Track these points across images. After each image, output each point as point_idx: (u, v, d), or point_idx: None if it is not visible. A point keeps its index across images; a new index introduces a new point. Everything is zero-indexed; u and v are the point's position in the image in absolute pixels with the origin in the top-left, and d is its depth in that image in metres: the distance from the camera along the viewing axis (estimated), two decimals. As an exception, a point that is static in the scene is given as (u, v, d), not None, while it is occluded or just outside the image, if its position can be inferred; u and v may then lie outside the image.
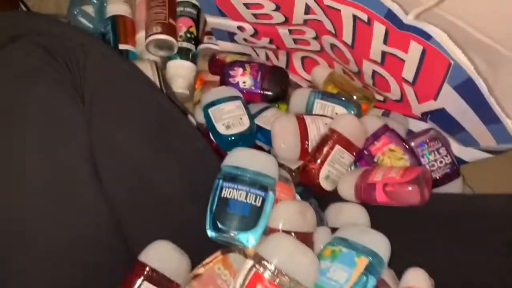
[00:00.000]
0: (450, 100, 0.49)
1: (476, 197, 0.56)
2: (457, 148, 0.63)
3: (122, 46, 0.76)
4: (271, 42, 0.65)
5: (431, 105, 0.54)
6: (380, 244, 0.44)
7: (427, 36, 0.42)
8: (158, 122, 0.49)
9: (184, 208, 0.48)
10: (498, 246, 0.45)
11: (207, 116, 0.59)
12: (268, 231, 0.45)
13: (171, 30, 0.73)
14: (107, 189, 0.45)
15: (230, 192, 0.45)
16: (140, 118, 0.48)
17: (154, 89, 0.51)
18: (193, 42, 0.77)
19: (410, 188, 0.48)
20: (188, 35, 0.76)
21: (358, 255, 0.43)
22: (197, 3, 0.76)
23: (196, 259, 0.46)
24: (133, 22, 0.79)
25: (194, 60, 0.77)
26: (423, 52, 0.45)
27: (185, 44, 0.76)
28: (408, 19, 0.41)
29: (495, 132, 0.47)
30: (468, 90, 0.44)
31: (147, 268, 0.42)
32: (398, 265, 0.46)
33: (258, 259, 0.40)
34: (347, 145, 0.55)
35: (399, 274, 0.46)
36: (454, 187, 0.59)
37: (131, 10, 0.80)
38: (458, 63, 0.42)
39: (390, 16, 0.43)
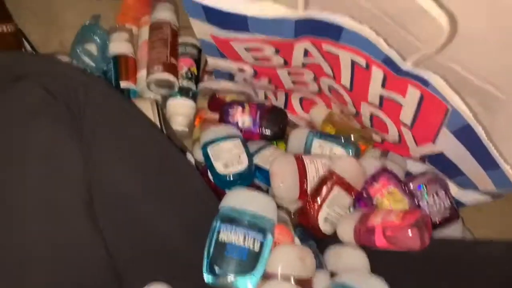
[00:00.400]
0: (448, 144, 0.49)
1: (476, 242, 0.55)
2: (456, 191, 0.63)
3: (123, 84, 0.77)
4: (270, 82, 0.66)
5: (429, 148, 0.54)
6: (380, 290, 0.43)
7: (425, 82, 0.43)
8: (157, 162, 0.49)
9: (181, 250, 0.48)
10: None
11: (206, 155, 0.59)
12: (267, 276, 0.44)
13: (172, 69, 0.74)
14: (104, 229, 0.44)
15: (227, 235, 0.44)
16: (139, 157, 0.48)
17: (154, 129, 0.51)
18: (193, 81, 0.78)
19: (410, 233, 0.48)
20: (189, 74, 0.78)
21: (358, 302, 0.42)
22: (198, 44, 0.77)
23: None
24: (135, 61, 0.81)
25: (194, 98, 0.78)
26: (421, 97, 0.45)
27: (186, 83, 0.77)
28: (406, 65, 0.42)
29: (494, 177, 0.47)
30: (467, 136, 0.45)
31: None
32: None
33: (256, 306, 0.39)
34: (346, 186, 0.55)
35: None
36: (453, 230, 0.59)
37: (133, 49, 0.82)
38: (456, 109, 0.42)
39: (388, 61, 0.44)
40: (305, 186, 0.57)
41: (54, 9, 0.85)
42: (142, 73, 0.77)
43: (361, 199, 0.58)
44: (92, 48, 0.78)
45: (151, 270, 0.47)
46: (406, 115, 0.51)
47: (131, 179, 0.47)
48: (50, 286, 0.42)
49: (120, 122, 0.49)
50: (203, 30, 0.55)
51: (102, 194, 0.45)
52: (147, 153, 0.49)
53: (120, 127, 0.48)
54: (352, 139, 0.65)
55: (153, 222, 0.47)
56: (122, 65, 0.79)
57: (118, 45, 0.80)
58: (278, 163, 0.58)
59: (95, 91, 0.48)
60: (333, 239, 0.55)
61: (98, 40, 0.79)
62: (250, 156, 0.60)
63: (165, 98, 0.78)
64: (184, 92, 0.77)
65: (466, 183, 0.56)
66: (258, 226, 0.45)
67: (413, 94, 0.46)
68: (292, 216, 0.57)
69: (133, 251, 0.47)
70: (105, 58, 0.79)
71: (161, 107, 0.74)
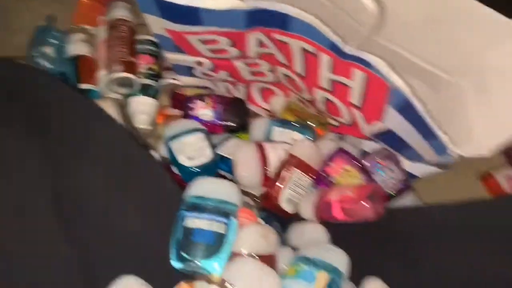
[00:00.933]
0: (394, 120, 0.53)
1: (426, 207, 0.59)
2: (408, 164, 0.68)
3: (83, 86, 0.77)
4: (229, 75, 0.68)
5: (378, 126, 0.58)
6: (339, 259, 0.47)
7: (367, 64, 0.46)
8: (121, 160, 0.50)
9: (149, 243, 0.49)
10: (447, 253, 0.48)
11: (169, 150, 0.61)
12: (233, 256, 0.47)
13: (131, 67, 0.75)
14: (70, 228, 0.45)
15: (193, 222, 0.46)
16: (102, 156, 0.49)
17: (116, 127, 0.52)
18: (154, 78, 0.79)
19: (364, 204, 0.52)
20: (149, 71, 0.79)
21: (318, 271, 0.45)
22: (156, 41, 0.78)
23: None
24: (94, 61, 0.81)
25: (155, 95, 0.79)
26: (365, 78, 0.49)
27: (146, 81, 0.78)
28: (349, 49, 0.45)
29: (435, 146, 0.51)
30: (408, 111, 0.49)
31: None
32: (358, 278, 0.48)
33: (223, 284, 0.41)
34: (305, 168, 0.58)
35: (357, 285, 0.48)
36: (407, 201, 0.63)
37: (92, 49, 0.82)
38: (396, 87, 0.46)
39: (333, 46, 0.47)
40: (267, 172, 0.60)
41: (7, 12, 0.84)
42: (101, 73, 0.78)
43: (320, 179, 0.61)
44: (49, 50, 0.78)
45: (120, 264, 0.48)
46: (355, 97, 0.54)
47: (95, 178, 0.48)
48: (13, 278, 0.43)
49: (82, 122, 0.50)
50: (157, 24, 0.57)
51: (67, 194, 0.46)
52: (110, 152, 0.50)
53: (81, 127, 0.49)
54: (310, 124, 0.68)
55: (122, 220, 0.48)
56: (81, 66, 0.79)
57: (76, 46, 0.80)
58: (240, 152, 0.60)
59: (55, 93, 0.49)
60: (297, 218, 0.58)
61: (54, 42, 0.79)
62: (213, 148, 0.62)
63: (126, 97, 0.79)
64: (145, 90, 0.77)
65: (414, 156, 0.60)
66: (222, 211, 0.48)
67: (358, 76, 0.49)
68: (257, 200, 0.60)
69: (104, 249, 0.48)
70: (64, 60, 0.79)
71: (122, 106, 0.76)
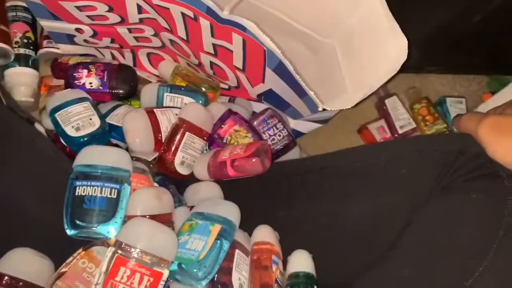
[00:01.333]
0: (273, 81, 0.57)
1: (308, 158, 0.66)
2: (294, 122, 0.74)
3: None
4: (113, 41, 0.67)
5: (261, 87, 0.62)
6: (231, 211, 0.51)
7: (243, 28, 0.49)
8: None
9: (38, 214, 0.48)
10: (324, 194, 0.55)
11: (54, 121, 0.59)
12: (128, 220, 0.48)
13: (4, 36, 0.69)
14: None
15: (84, 189, 0.46)
16: None
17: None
18: (31, 48, 0.74)
19: (253, 160, 0.56)
20: (25, 40, 0.73)
21: (212, 224, 0.48)
22: (29, 7, 0.73)
23: (61, 261, 0.47)
24: (-42, 31, 0.73)
25: (35, 66, 0.74)
26: (244, 42, 0.52)
27: (23, 50, 0.73)
28: (224, 14, 0.48)
29: (308, 103, 0.57)
30: (282, 71, 0.53)
31: (6, 278, 0.42)
32: (250, 226, 0.53)
33: (119, 245, 0.43)
34: (197, 131, 0.60)
35: (250, 233, 0.53)
36: (293, 155, 0.69)
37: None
38: (270, 49, 0.50)
39: (210, 12, 0.49)
40: (160, 137, 0.61)
41: None
42: (-32, 44, 0.71)
43: (214, 141, 0.64)
44: None
45: (11, 238, 0.47)
46: (238, 60, 0.57)
47: None
48: None
49: None
50: (27, -10, 0.53)
51: None
52: None
53: None
54: (202, 89, 0.70)
55: (3, 193, 0.47)
56: None
57: None
58: (130, 119, 0.60)
59: None
60: (192, 180, 0.61)
61: None
62: (102, 116, 0.61)
63: (1, 69, 0.73)
64: (22, 60, 0.72)
65: (294, 114, 0.66)
66: (114, 177, 0.48)
67: (237, 40, 0.52)
68: (151, 166, 0.61)
69: None
70: None
71: (-3, 78, 0.70)
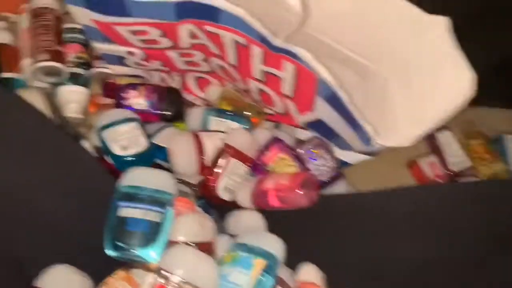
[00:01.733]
0: (323, 110, 0.55)
1: (356, 194, 0.63)
2: (339, 152, 0.71)
3: (5, 75, 0.73)
4: (162, 64, 0.67)
5: (310, 115, 0.60)
6: (275, 246, 0.49)
7: (295, 56, 0.48)
8: (49, 151, 0.48)
9: (80, 231, 0.48)
10: (375, 236, 0.52)
11: (102, 139, 0.59)
12: (170, 245, 0.47)
13: (58, 56, 0.71)
14: None
15: (127, 211, 0.46)
16: (28, 149, 0.47)
17: (38, 116, 0.50)
18: (84, 67, 0.76)
19: (298, 192, 0.53)
20: (78, 60, 0.75)
21: (255, 258, 0.46)
22: (85, 29, 0.75)
23: (99, 280, 0.46)
24: (16, 50, 0.76)
25: (86, 84, 0.76)
26: (295, 70, 0.51)
27: (75, 70, 0.75)
28: (278, 42, 0.47)
29: (361, 136, 0.54)
30: (335, 101, 0.51)
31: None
32: (294, 263, 0.50)
33: (160, 272, 0.41)
34: (241, 157, 0.59)
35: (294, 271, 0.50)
36: (339, 187, 0.67)
37: (14, 37, 0.77)
38: (323, 79, 0.48)
39: (263, 39, 0.48)
40: (204, 161, 0.60)
41: None
42: (26, 62, 0.73)
43: (256, 167, 0.63)
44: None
45: (53, 255, 0.46)
46: (287, 88, 0.56)
47: (23, 172, 0.46)
48: None
49: (2, 115, 0.47)
50: (83, 15, 0.55)
51: None
52: (37, 144, 0.48)
53: (2, 119, 0.47)
54: (246, 113, 0.69)
55: (48, 209, 0.47)
56: (3, 55, 0.74)
57: (-4, 34, 0.75)
58: (175, 141, 0.60)
59: None
60: (234, 206, 0.59)
61: (-28, 29, 0.73)
62: (148, 137, 0.61)
63: (55, 87, 0.75)
64: (74, 79, 0.74)
65: (343, 145, 0.63)
66: (157, 200, 0.47)
67: (288, 67, 0.51)
68: (194, 189, 0.60)
69: (31, 239, 0.46)
70: (-18, 48, 0.73)
71: (51, 96, 0.72)
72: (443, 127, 0.81)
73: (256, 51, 0.50)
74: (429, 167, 0.80)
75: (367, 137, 0.51)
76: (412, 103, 0.54)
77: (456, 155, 0.77)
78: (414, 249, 0.47)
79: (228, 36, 0.51)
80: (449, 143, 0.78)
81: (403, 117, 0.56)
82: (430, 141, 0.82)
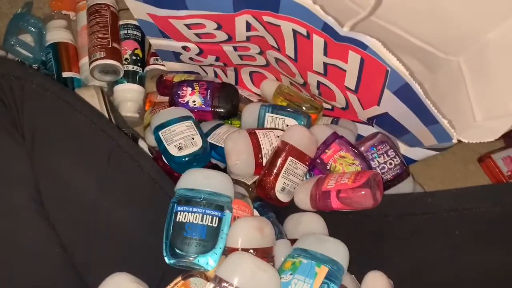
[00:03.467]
0: (392, 104, 0.51)
1: (426, 195, 0.58)
2: (404, 148, 0.66)
3: (66, 74, 0.74)
4: (217, 59, 0.65)
5: (375, 110, 0.56)
6: (339, 252, 0.45)
7: (364, 46, 0.44)
8: (105, 153, 0.48)
9: (139, 237, 0.47)
10: (450, 241, 0.47)
11: (158, 139, 0.58)
12: (228, 251, 0.45)
13: (115, 54, 0.72)
14: (55, 222, 0.43)
15: (185, 216, 0.44)
16: (85, 150, 0.47)
17: (97, 117, 0.49)
18: (139, 65, 0.76)
19: (362, 192, 0.50)
20: (134, 57, 0.76)
21: (318, 265, 0.43)
22: (140, 25, 0.75)
23: None
24: (76, 49, 0.77)
25: (141, 82, 0.76)
26: (362, 61, 0.46)
27: (131, 67, 0.75)
28: (344, 31, 0.43)
29: (435, 132, 0.49)
30: (407, 94, 0.46)
31: (105, 304, 0.41)
32: (359, 270, 0.47)
33: (219, 281, 0.39)
34: (299, 155, 0.56)
35: (360, 279, 0.47)
36: (405, 186, 0.62)
37: (73, 36, 0.78)
38: (394, 69, 0.44)
39: (327, 28, 0.44)
40: (260, 160, 0.58)
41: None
42: (84, 61, 0.75)
43: (316, 166, 0.59)
44: (27, 38, 0.74)
45: (112, 262, 0.46)
46: (350, 81, 0.52)
47: (80, 173, 0.46)
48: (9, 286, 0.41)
49: (61, 115, 0.47)
50: (139, 9, 0.54)
51: (50, 187, 0.44)
52: (91, 143, 0.48)
53: (61, 120, 0.47)
54: (303, 109, 0.66)
55: (107, 214, 0.47)
56: (62, 54, 0.76)
57: (56, 33, 0.77)
58: (232, 140, 0.58)
59: (31, 85, 0.46)
60: (292, 208, 0.56)
61: (32, 29, 0.75)
62: (203, 136, 0.60)
63: (111, 85, 0.76)
64: (130, 76, 0.75)
65: (412, 141, 0.58)
66: (215, 204, 0.46)
67: (354, 58, 0.47)
68: (250, 190, 0.58)
69: (91, 245, 0.46)
70: (43, 48, 0.76)
71: (107, 94, 0.72)
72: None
73: (318, 42, 0.47)
74: (504, 161, 0.73)
75: (443, 133, 0.46)
76: (492, 92, 0.48)
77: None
78: (504, 254, 0.42)
79: (288, 27, 0.48)
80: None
81: (483, 109, 0.50)
82: (507, 134, 0.74)
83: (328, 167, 0.59)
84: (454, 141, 0.46)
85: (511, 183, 0.68)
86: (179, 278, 0.44)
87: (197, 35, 0.57)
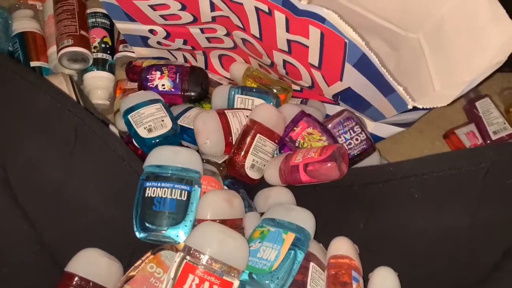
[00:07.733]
0: (353, 78, 0.52)
1: (389, 165, 0.60)
2: (372, 126, 0.68)
3: (33, 63, 0.74)
4: (185, 43, 0.66)
5: (338, 86, 0.57)
6: (305, 219, 0.47)
7: (322, 19, 0.45)
8: (69, 129, 0.48)
9: (108, 214, 0.48)
10: (411, 204, 0.49)
11: (127, 122, 0.59)
12: (197, 223, 0.46)
13: (83, 41, 0.72)
14: (22, 202, 0.44)
15: (154, 190, 0.45)
16: (52, 131, 0.47)
17: (63, 98, 0.50)
18: (108, 52, 0.76)
19: (328, 165, 0.51)
20: (103, 45, 0.76)
21: (285, 232, 0.45)
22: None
23: (129, 263, 0.46)
24: (43, 38, 0.77)
25: (111, 70, 0.76)
26: (322, 36, 0.48)
27: (101, 55, 0.75)
28: (302, 4, 0.44)
29: (393, 101, 0.51)
30: (365, 66, 0.48)
31: (76, 278, 0.41)
32: (327, 239, 0.48)
33: (188, 250, 0.40)
34: (268, 133, 0.57)
35: (326, 245, 0.48)
36: (372, 161, 0.64)
37: (40, 26, 0.78)
38: (351, 41, 0.45)
39: (287, 3, 0.45)
40: (230, 139, 0.59)
41: None
42: (52, 50, 0.74)
43: (285, 145, 0.61)
44: (-7, 28, 0.74)
45: (82, 239, 0.47)
46: (313, 57, 0.53)
47: (45, 151, 0.46)
48: None
49: (27, 95, 0.47)
50: (104, -9, 0.54)
51: (16, 168, 0.44)
52: (57, 123, 0.48)
53: (27, 100, 0.47)
54: (273, 90, 0.67)
55: (75, 192, 0.47)
56: (30, 43, 0.75)
57: (22, 22, 0.76)
58: (201, 120, 0.59)
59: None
60: (263, 185, 0.58)
61: (-2, 19, 0.74)
62: (173, 118, 0.60)
63: (81, 73, 0.76)
64: (100, 64, 0.75)
65: (375, 115, 0.60)
66: (184, 179, 0.46)
67: (314, 33, 0.48)
68: (221, 169, 0.59)
69: (61, 223, 0.46)
70: (9, 38, 0.75)
71: (77, 83, 0.72)
72: (483, 96, 0.76)
73: (280, 18, 0.48)
74: (467, 136, 0.76)
75: (401, 102, 0.48)
76: (449, 63, 0.50)
77: (496, 123, 0.73)
78: (459, 215, 0.44)
79: (250, 4, 0.49)
80: (489, 110, 0.74)
81: (439, 79, 0.52)
82: (470, 111, 0.78)
83: (297, 145, 0.60)
84: (410, 106, 0.47)
85: (463, 150, 0.70)
86: (149, 253, 0.45)
87: (162, 16, 0.58)
